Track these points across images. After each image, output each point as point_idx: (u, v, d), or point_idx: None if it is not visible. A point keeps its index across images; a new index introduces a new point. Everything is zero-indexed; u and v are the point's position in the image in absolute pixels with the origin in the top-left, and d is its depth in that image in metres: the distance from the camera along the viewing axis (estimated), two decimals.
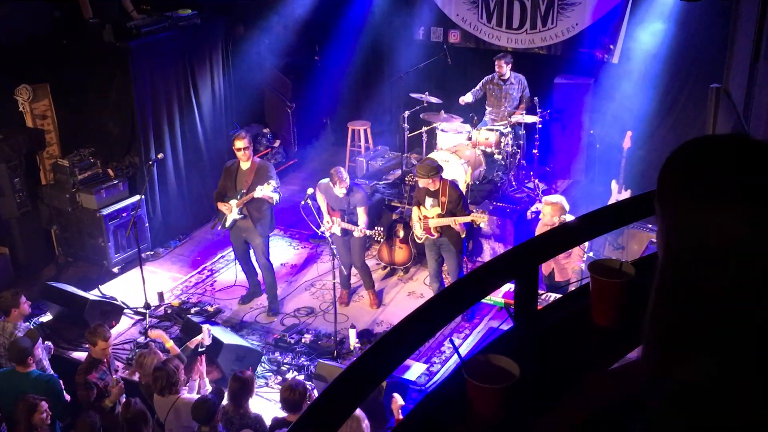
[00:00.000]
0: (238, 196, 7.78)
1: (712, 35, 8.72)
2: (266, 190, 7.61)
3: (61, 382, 6.24)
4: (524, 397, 1.68)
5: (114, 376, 6.30)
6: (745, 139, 0.93)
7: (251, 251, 8.25)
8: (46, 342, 6.83)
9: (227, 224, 7.96)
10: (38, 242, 9.35)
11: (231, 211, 7.82)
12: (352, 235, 7.92)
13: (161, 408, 5.83)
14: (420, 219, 7.67)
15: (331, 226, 7.89)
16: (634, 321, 0.99)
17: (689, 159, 0.94)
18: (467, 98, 9.95)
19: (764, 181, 0.89)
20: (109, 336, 6.37)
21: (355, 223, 7.84)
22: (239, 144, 7.68)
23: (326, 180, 7.92)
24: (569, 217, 7.13)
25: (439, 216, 7.55)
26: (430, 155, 9.31)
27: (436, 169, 7.47)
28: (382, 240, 8.11)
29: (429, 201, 7.59)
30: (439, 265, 7.94)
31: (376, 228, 7.91)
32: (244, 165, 7.81)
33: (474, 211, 7.70)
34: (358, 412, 5.28)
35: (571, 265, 7.07)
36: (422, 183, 7.52)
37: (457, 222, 7.47)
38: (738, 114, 6.40)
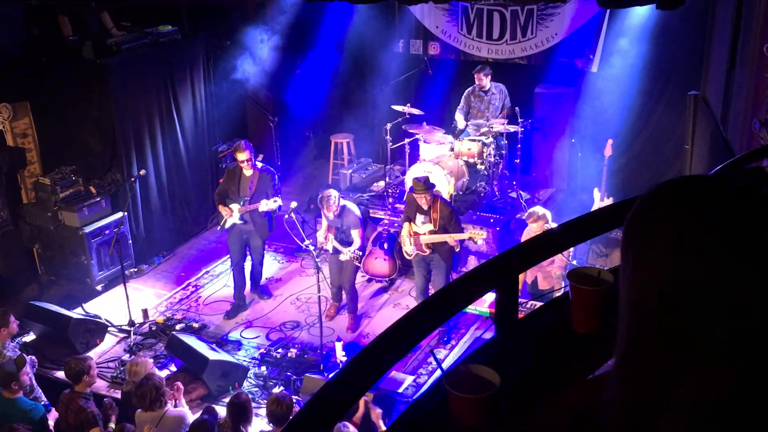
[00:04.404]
0: (241, 202, 7.99)
1: (690, 43, 8.82)
2: (270, 205, 7.89)
3: (44, 411, 6.08)
4: (504, 405, 1.69)
5: (106, 400, 6.09)
6: (712, 183, 0.85)
7: (248, 255, 8.43)
8: (29, 356, 6.65)
9: (226, 226, 8.17)
10: (20, 261, 9.26)
11: (232, 215, 8.04)
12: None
13: (143, 423, 5.79)
14: (410, 235, 7.60)
15: (326, 242, 7.90)
16: (614, 328, 0.98)
17: (644, 204, 0.87)
18: (460, 121, 9.96)
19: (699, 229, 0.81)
20: (92, 365, 6.16)
21: (348, 244, 7.80)
22: (241, 156, 7.89)
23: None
24: (553, 226, 7.17)
25: (432, 233, 7.46)
26: (413, 167, 9.34)
27: (429, 186, 7.43)
28: (358, 263, 8.02)
29: (420, 218, 7.51)
30: (426, 281, 7.84)
31: (355, 251, 7.80)
32: (247, 171, 8.01)
33: (471, 227, 7.66)
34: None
35: (554, 272, 7.10)
36: (420, 200, 7.41)
37: (453, 238, 7.41)
38: (716, 120, 6.48)
